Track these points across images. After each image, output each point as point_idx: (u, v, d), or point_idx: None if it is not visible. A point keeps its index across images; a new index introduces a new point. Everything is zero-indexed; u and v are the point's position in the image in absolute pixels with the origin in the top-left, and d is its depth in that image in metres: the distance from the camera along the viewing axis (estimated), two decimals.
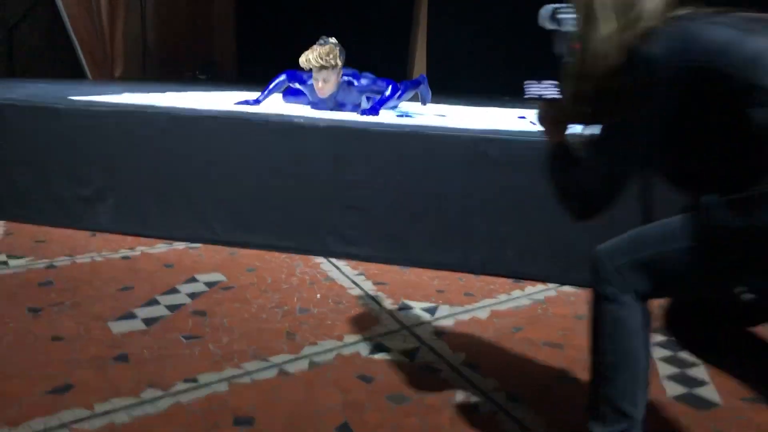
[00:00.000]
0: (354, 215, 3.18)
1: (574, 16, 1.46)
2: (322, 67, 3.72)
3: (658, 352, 2.23)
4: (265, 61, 8.62)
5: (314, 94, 3.97)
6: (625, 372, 1.40)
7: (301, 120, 3.32)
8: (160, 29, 7.99)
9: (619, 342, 1.41)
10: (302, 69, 3.85)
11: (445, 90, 8.22)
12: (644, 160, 1.42)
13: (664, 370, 2.13)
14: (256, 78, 8.23)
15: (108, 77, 7.05)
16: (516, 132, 3.18)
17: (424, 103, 4.78)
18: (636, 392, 1.41)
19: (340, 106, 4.02)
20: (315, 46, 3.77)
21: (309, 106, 4.16)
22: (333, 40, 3.91)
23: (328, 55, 3.72)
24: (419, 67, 8.64)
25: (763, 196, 1.21)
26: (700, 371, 2.12)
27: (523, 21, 8.33)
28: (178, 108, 3.63)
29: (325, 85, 3.81)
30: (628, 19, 1.37)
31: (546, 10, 1.85)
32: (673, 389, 2.00)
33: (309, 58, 3.71)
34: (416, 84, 4.69)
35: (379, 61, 8.40)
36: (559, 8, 1.80)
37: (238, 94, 5.40)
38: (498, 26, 8.26)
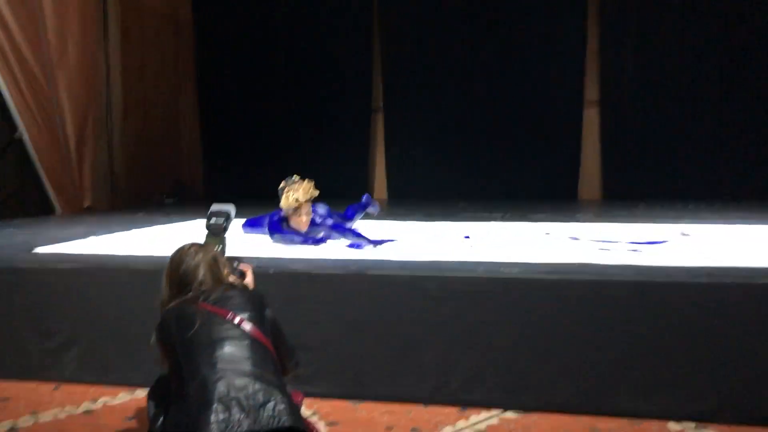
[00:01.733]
0: (307, 354, 3.35)
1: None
2: (306, 201, 4.04)
3: None
4: (231, 181, 8.99)
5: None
6: None
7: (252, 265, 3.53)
8: (128, 156, 8.32)
9: None
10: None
11: (404, 200, 8.61)
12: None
13: None
14: (223, 198, 8.57)
15: (77, 209, 7.27)
16: (451, 266, 3.44)
17: (375, 214, 5.20)
18: None
19: (306, 240, 4.25)
20: (294, 185, 4.08)
21: (269, 236, 4.35)
22: (294, 177, 4.24)
23: (310, 188, 4.08)
24: (379, 180, 9.05)
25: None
26: None
27: (473, 133, 8.86)
28: (138, 259, 3.84)
29: (307, 216, 4.11)
30: (177, 292, 2.27)
31: None
32: None
33: (298, 196, 4.02)
34: (364, 206, 5.09)
35: (341, 179, 8.84)
36: None
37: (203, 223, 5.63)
38: (449, 139, 8.76)
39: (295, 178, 4.26)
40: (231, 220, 2.55)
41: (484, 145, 8.60)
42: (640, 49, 8.25)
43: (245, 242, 4.40)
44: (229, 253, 3.82)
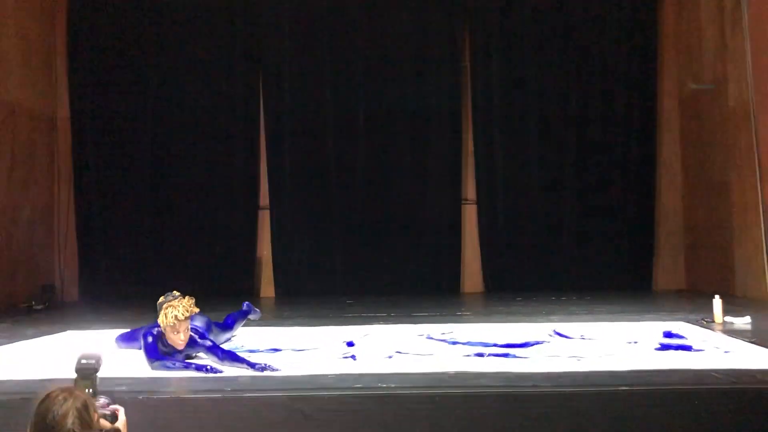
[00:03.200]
0: None
1: None
2: (186, 319, 3.91)
3: None
4: (109, 285, 8.60)
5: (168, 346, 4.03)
6: None
7: (123, 388, 3.38)
8: None
9: None
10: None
11: (292, 297, 8.56)
12: None
13: None
14: (96, 303, 8.16)
15: None
16: (330, 381, 3.45)
17: (257, 319, 5.37)
18: None
19: (177, 353, 4.08)
20: (173, 302, 3.96)
21: (147, 363, 4.09)
22: (175, 293, 4.14)
23: (190, 305, 3.96)
24: (266, 278, 8.98)
25: None
26: None
27: (358, 230, 8.96)
28: None
29: (186, 334, 3.97)
30: None
31: None
32: None
33: (177, 314, 3.89)
34: (244, 314, 5.07)
35: (228, 277, 8.72)
36: None
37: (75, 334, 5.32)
38: (335, 237, 8.88)
39: (175, 293, 4.18)
40: (102, 362, 2.44)
41: (369, 242, 8.76)
42: (510, 151, 8.83)
43: (117, 358, 4.21)
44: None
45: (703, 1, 8.09)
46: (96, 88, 8.95)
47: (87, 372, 2.37)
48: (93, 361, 2.38)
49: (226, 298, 8.27)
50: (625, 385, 3.25)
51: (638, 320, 5.61)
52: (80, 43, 8.98)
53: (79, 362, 2.35)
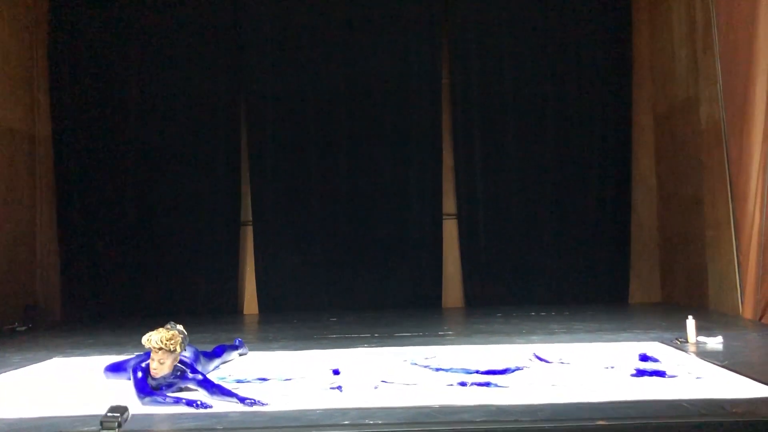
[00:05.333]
0: None
1: None
2: (160, 349, 3.97)
3: None
4: (89, 304, 8.62)
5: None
6: None
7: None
8: None
9: None
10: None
11: (275, 314, 8.65)
12: None
13: None
14: (81, 324, 8.16)
15: None
16: (318, 416, 3.55)
17: (244, 353, 5.48)
18: None
19: (167, 387, 4.16)
20: (161, 329, 4.04)
21: (137, 398, 4.15)
22: (180, 327, 4.20)
23: (170, 340, 4.01)
24: (249, 294, 9.05)
25: None
26: None
27: (340, 246, 9.07)
28: None
29: (160, 366, 4.03)
30: None
31: None
32: None
33: (151, 337, 3.97)
34: (235, 348, 5.16)
35: (211, 294, 8.79)
36: None
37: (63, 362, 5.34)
38: (318, 252, 8.98)
39: (178, 326, 4.21)
40: (127, 416, 2.52)
41: (351, 258, 8.89)
42: (489, 166, 9.00)
43: (108, 392, 4.27)
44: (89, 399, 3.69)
45: (676, 24, 8.32)
46: (77, 106, 8.99)
47: (110, 425, 2.42)
48: (117, 415, 2.43)
49: (210, 315, 8.37)
50: (603, 419, 3.38)
51: (615, 340, 5.77)
52: (61, 60, 9.00)
53: (105, 415, 2.40)
